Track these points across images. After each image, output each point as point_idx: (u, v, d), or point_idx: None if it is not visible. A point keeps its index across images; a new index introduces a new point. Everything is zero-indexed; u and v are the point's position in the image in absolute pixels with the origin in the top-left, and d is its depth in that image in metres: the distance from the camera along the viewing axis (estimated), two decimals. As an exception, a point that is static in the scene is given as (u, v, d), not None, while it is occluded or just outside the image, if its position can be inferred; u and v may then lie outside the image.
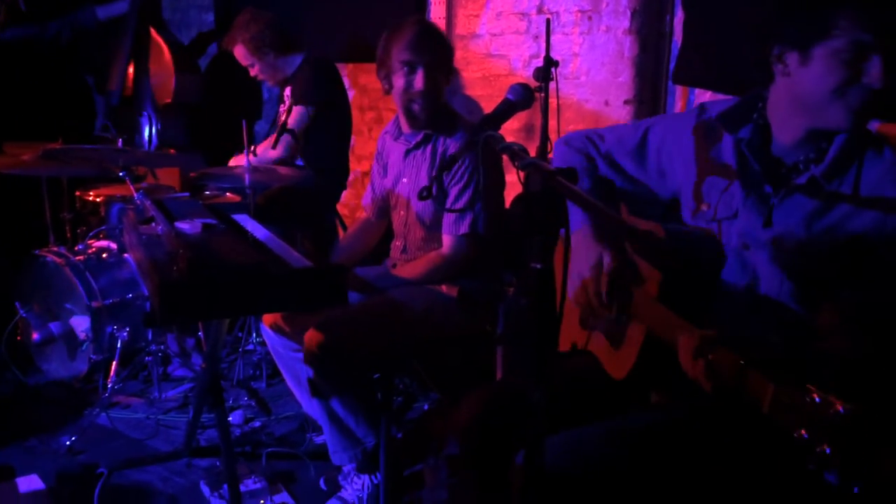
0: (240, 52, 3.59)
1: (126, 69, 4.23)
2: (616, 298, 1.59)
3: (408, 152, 2.56)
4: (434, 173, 2.44)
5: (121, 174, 2.99)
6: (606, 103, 3.41)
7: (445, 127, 2.48)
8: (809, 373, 1.40)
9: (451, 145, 2.46)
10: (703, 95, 3.17)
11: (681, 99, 3.31)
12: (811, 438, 1.07)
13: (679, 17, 3.22)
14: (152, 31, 4.29)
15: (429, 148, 2.50)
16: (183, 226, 2.28)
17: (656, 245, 1.10)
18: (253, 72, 3.65)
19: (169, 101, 4.23)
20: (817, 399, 1.07)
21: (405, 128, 2.57)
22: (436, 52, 2.43)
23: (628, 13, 3.29)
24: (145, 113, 4.23)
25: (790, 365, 1.40)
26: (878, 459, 1.03)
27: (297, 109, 3.50)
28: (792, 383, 1.12)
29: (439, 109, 2.49)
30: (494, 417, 1.64)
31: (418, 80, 2.41)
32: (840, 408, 1.04)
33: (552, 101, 2.87)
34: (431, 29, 2.50)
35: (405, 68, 2.42)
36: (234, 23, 3.59)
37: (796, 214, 1.54)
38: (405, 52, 2.40)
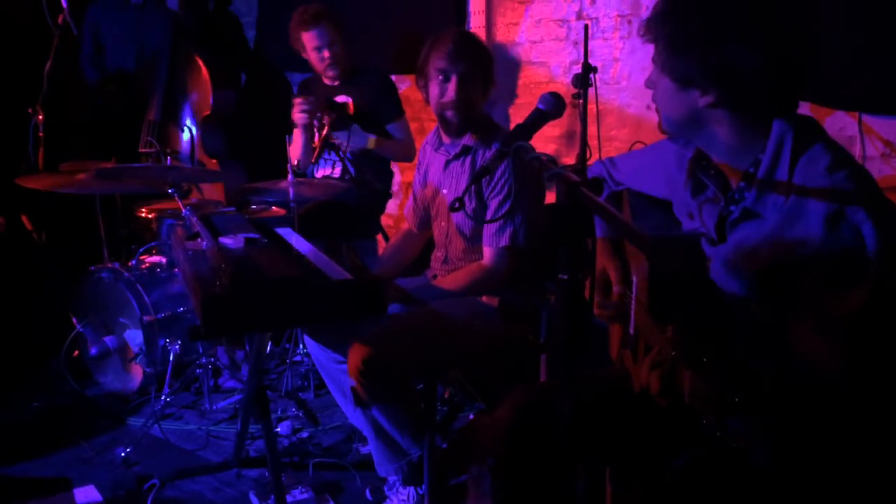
0: (324, 29, 3.52)
1: (163, 92, 4.33)
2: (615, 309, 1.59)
3: (448, 163, 2.57)
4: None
5: (170, 191, 3.07)
6: (648, 108, 3.36)
7: (485, 138, 2.49)
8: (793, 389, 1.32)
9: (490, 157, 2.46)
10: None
11: (725, 101, 3.24)
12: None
13: (722, 18, 3.16)
14: (192, 52, 4.38)
15: (468, 159, 2.51)
16: (227, 241, 2.32)
17: (643, 238, 1.06)
18: (328, 53, 3.56)
19: (208, 112, 4.31)
20: None
21: (445, 138, 2.58)
22: (472, 61, 2.44)
23: (669, 16, 3.25)
24: (186, 127, 4.32)
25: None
26: None
27: (394, 123, 3.63)
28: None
29: (476, 120, 2.50)
30: (526, 425, 1.63)
31: (451, 89, 2.43)
32: None
33: (591, 108, 2.85)
34: (470, 39, 2.51)
35: (440, 76, 2.44)
36: (306, 8, 3.54)
37: (742, 237, 1.43)
38: (441, 61, 2.43)
